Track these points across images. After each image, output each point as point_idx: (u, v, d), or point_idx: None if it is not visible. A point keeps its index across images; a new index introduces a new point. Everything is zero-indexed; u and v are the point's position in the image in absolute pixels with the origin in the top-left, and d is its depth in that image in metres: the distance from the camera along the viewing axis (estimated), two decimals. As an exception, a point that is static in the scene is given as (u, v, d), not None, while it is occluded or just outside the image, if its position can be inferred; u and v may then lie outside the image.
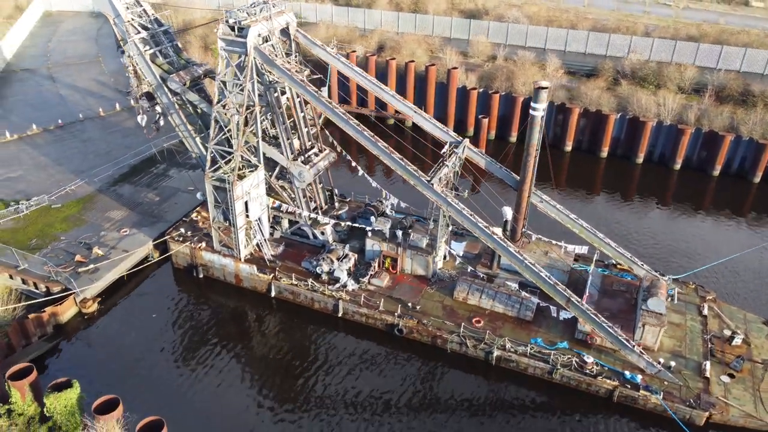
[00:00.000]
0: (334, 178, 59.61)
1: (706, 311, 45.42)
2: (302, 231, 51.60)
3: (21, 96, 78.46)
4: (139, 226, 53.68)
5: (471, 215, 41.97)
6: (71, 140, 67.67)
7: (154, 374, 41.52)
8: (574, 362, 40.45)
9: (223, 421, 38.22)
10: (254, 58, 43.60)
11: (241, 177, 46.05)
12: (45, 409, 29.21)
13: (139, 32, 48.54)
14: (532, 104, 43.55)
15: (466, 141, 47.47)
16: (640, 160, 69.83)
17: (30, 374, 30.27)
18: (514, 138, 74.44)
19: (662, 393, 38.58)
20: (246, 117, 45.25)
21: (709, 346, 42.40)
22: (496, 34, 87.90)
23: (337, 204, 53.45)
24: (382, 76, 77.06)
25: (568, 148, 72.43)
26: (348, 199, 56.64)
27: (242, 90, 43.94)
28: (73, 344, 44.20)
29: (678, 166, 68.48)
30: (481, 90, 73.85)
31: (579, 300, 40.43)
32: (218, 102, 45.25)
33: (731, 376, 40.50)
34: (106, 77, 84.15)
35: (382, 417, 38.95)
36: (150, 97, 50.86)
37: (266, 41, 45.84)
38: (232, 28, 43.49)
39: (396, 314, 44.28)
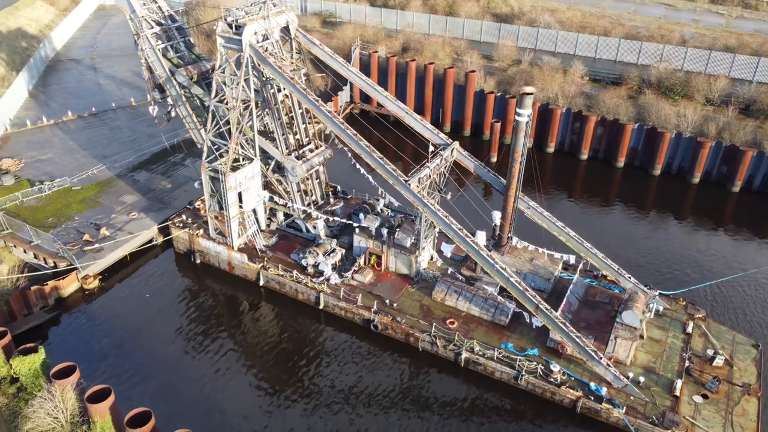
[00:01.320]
0: (342, 175, 61.04)
1: (690, 329, 44.24)
2: (297, 224, 53.20)
3: (63, 84, 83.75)
4: (147, 210, 56.64)
5: (445, 217, 42.43)
6: (101, 127, 71.79)
7: (135, 349, 44.01)
8: (539, 369, 40.32)
9: (182, 395, 40.25)
10: (249, 55, 45.41)
11: (234, 168, 48.01)
12: (12, 370, 31.86)
13: (152, 27, 51.33)
14: (516, 110, 43.60)
15: (456, 144, 47.91)
16: (658, 171, 68.04)
17: (3, 338, 33.00)
18: (530, 143, 73.53)
19: (625, 407, 38.00)
20: (242, 111, 47.18)
21: (687, 364, 41.34)
22: (526, 38, 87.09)
23: (332, 200, 54.78)
24: (402, 76, 78.07)
25: (584, 156, 71.32)
26: (349, 196, 57.87)
27: (239, 85, 45.86)
28: (70, 316, 47.31)
29: (697, 180, 66.36)
30: (498, 94, 73.63)
31: (548, 308, 40.27)
32: (215, 95, 47.39)
33: (705, 396, 39.43)
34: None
35: (344, 407, 39.97)
36: (161, 89, 53.67)
37: (266, 39, 47.64)
38: (230, 26, 45.47)
39: (372, 310, 45.22)
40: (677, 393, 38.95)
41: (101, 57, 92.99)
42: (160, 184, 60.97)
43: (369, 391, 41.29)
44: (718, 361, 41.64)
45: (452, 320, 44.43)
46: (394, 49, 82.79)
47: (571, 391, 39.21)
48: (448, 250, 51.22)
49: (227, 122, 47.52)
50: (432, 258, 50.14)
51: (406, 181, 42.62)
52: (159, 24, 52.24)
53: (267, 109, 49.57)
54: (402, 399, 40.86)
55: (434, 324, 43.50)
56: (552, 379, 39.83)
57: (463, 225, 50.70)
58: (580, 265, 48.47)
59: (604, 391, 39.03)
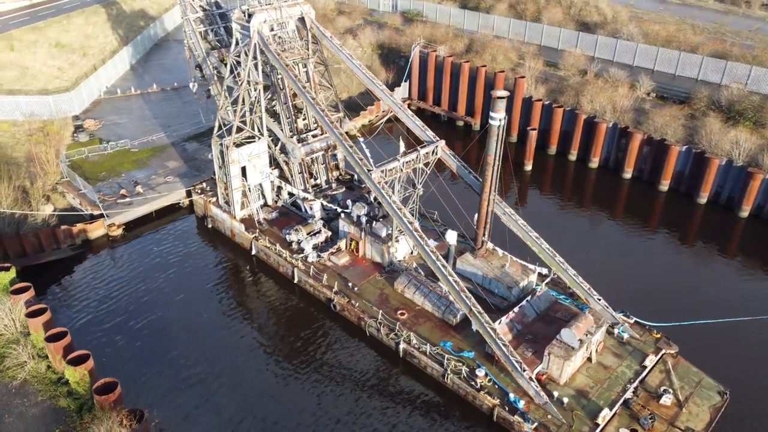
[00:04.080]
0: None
1: (648, 362, 41.59)
2: (298, 203, 56.73)
3: (162, 60, 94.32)
4: (183, 176, 63.24)
5: (399, 209, 43.56)
6: (176, 100, 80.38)
7: (132, 291, 50.32)
8: (463, 371, 40.39)
9: (141, 340, 45.62)
10: (256, 41, 49.55)
11: (238, 145, 52.55)
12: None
13: (196, 12, 57.39)
14: (490, 113, 43.59)
15: (441, 143, 48.68)
16: (704, 200, 62.73)
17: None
18: (574, 156, 71.24)
19: (536, 424, 37.10)
20: (250, 92, 51.55)
21: (629, 396, 39.11)
22: (604, 49, 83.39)
23: (334, 185, 57.61)
24: (456, 76, 78.59)
25: (628, 175, 67.44)
26: (363, 185, 60.22)
27: (246, 67, 50.26)
28: (93, 256, 54.86)
29: (745, 214, 60.43)
30: (546, 102, 71.84)
31: (481, 311, 40.16)
32: (229, 75, 52.20)
33: (633, 431, 37.27)
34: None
35: (289, 375, 43.12)
36: (201, 68, 59.72)
37: (281, 28, 51.58)
38: (244, 13, 49.91)
39: (333, 290, 47.57)
40: (599, 421, 37.20)
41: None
42: (203, 155, 67.41)
43: (314, 363, 43.98)
44: (666, 400, 38.97)
45: (403, 311, 45.51)
46: (458, 49, 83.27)
47: (488, 397, 38.93)
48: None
49: (235, 101, 52.13)
50: (412, 253, 51.26)
51: (368, 170, 44.37)
52: (204, 9, 58.18)
53: (276, 93, 53.47)
54: (342, 377, 42.95)
55: (381, 312, 44.92)
56: (473, 383, 39.75)
57: (444, 224, 52.00)
58: (549, 278, 47.25)
59: (521, 404, 38.29)
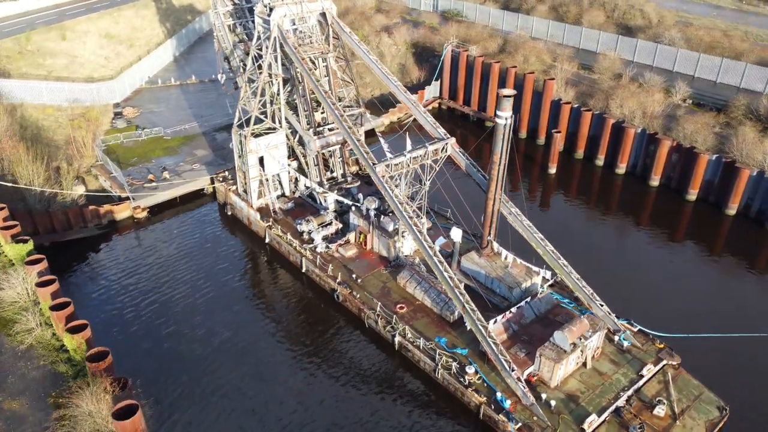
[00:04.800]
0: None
1: (645, 371, 40.64)
2: (314, 195, 57.87)
3: (205, 53, 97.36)
4: (209, 164, 65.42)
5: (401, 204, 43.94)
6: (212, 92, 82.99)
7: (148, 268, 52.73)
8: (453, 367, 40.49)
9: (146, 314, 47.74)
10: (277, 35, 50.89)
11: (257, 135, 54.07)
12: (5, 254, 41.44)
13: (226, 6, 59.32)
14: (496, 112, 43.46)
15: (452, 140, 48.79)
16: (733, 212, 60.42)
17: (13, 229, 42.86)
18: (601, 161, 69.79)
19: (519, 424, 36.89)
20: (269, 84, 52.99)
21: (622, 404, 38.36)
22: (644, 53, 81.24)
23: (349, 179, 58.46)
24: (486, 76, 78.19)
25: (655, 182, 65.59)
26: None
27: (273, 60, 51.75)
28: (118, 235, 57.57)
29: (776, 228, 58.05)
30: (575, 105, 70.65)
31: (474, 308, 40.17)
32: (251, 67, 53.78)
33: (621, 440, 36.64)
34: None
35: (280, 359, 44.23)
36: (229, 60, 61.67)
37: (303, 23, 52.82)
38: (266, 7, 51.37)
39: (336, 281, 48.41)
40: (585, 426, 36.66)
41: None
42: (229, 145, 69.34)
43: (310, 348, 45.15)
44: (659, 411, 38.02)
45: (402, 305, 45.91)
46: (491, 49, 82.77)
47: (476, 395, 38.91)
48: (438, 245, 51.94)
49: (255, 92, 53.65)
50: (418, 248, 51.54)
51: (374, 164, 44.95)
52: (234, 3, 60.07)
53: (295, 86, 54.74)
54: (335, 363, 43.84)
55: (380, 304, 45.45)
56: (462, 380, 39.81)
57: (456, 223, 52.20)
58: (551, 280, 46.75)
59: (508, 403, 38.11)
